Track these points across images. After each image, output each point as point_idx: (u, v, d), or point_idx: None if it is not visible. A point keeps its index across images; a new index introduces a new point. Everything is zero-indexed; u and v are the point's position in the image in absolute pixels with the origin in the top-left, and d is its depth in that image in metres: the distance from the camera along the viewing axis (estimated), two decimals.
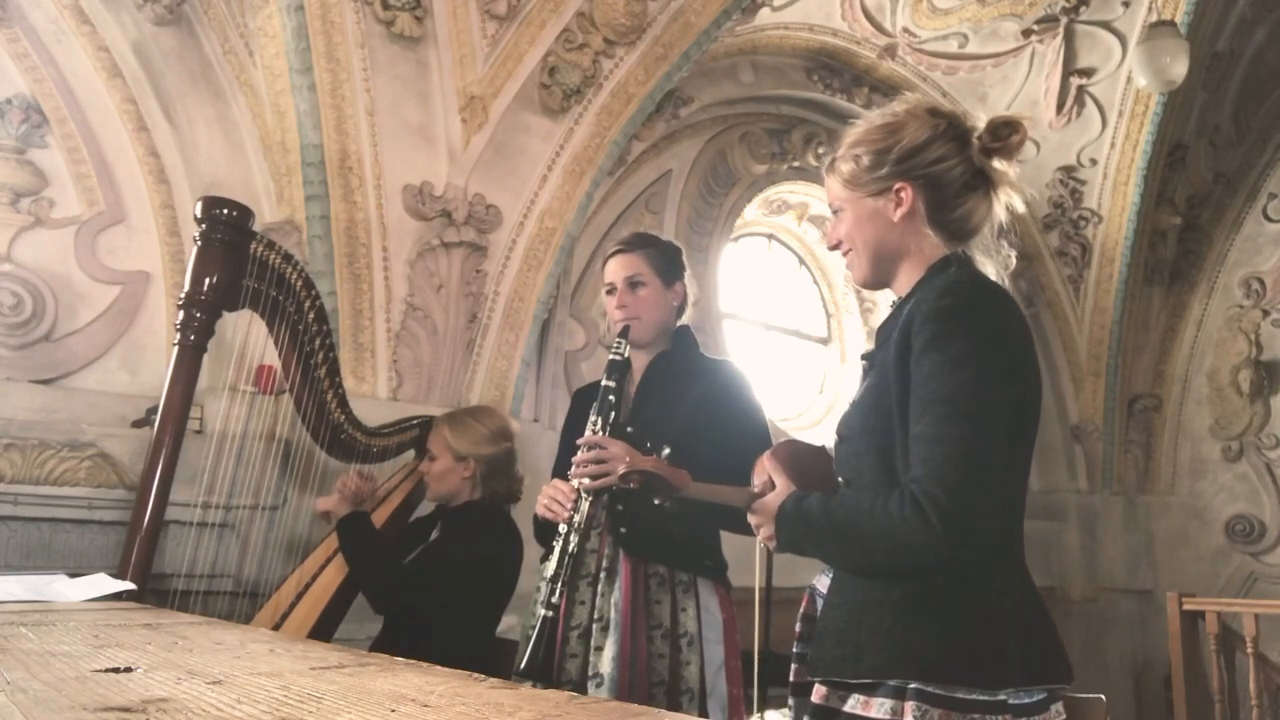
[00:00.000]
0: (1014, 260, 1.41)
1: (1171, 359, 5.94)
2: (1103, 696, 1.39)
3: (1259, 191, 5.77)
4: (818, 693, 1.27)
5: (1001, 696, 1.17)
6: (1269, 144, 5.67)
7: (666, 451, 1.66)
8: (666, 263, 2.13)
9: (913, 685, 1.17)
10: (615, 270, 2.11)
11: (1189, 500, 5.83)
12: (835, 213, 1.45)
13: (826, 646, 1.28)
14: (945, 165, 1.34)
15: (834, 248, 1.46)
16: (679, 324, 2.16)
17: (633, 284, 2.09)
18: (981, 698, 1.16)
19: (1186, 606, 4.31)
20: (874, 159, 1.37)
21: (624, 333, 2.05)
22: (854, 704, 1.22)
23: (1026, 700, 1.19)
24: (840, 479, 1.37)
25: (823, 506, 1.29)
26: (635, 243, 2.16)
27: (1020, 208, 1.39)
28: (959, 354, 1.21)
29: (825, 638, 1.29)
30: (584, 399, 2.15)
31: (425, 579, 2.26)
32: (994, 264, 1.39)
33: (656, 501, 1.59)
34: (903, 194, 1.35)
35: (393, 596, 2.27)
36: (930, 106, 1.39)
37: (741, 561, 2.02)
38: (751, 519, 1.41)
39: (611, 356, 2.00)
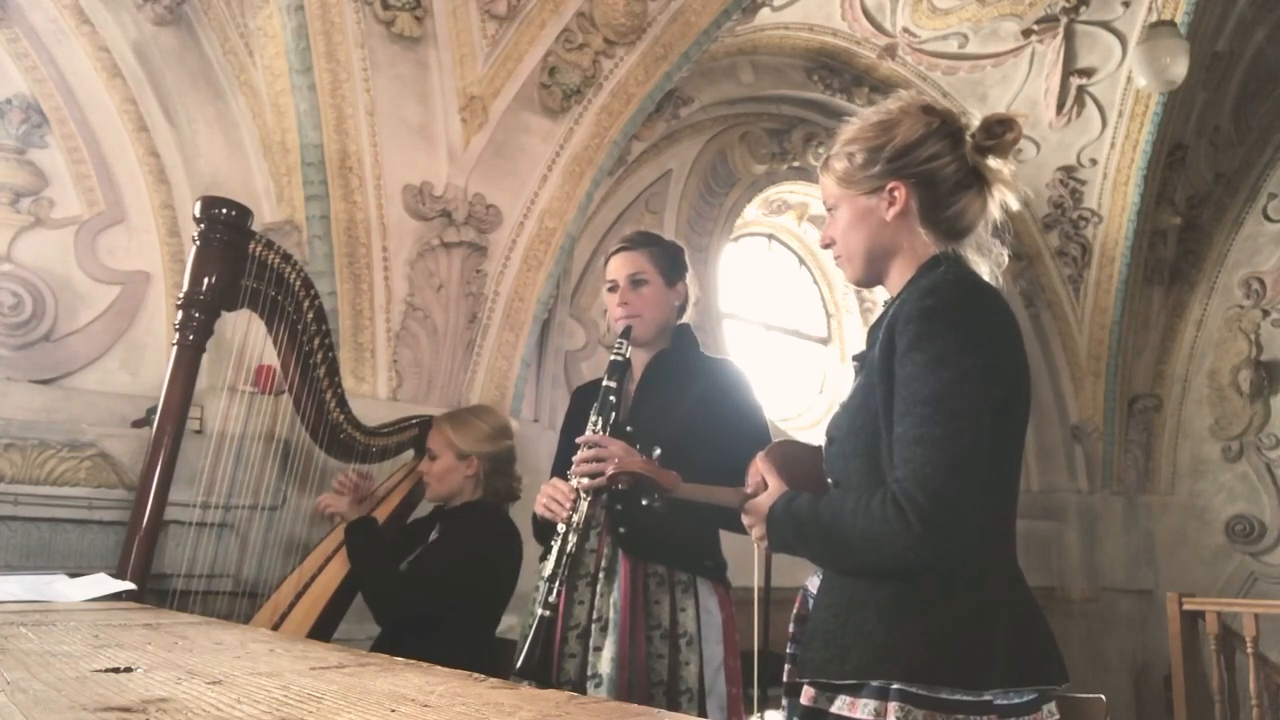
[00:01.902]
0: (1006, 259, 1.40)
1: (1171, 359, 5.94)
2: (1103, 696, 1.39)
3: (1259, 191, 5.77)
4: (806, 694, 1.27)
5: (987, 697, 1.16)
6: (1269, 144, 5.67)
7: (658, 453, 1.66)
8: (669, 262, 2.13)
9: (895, 685, 1.16)
10: (618, 267, 2.11)
11: (1189, 500, 5.83)
12: (829, 211, 1.44)
13: (814, 648, 1.28)
14: (939, 163, 1.33)
15: (827, 246, 1.46)
16: (679, 323, 2.16)
17: (635, 282, 2.09)
18: (965, 698, 1.16)
19: (1186, 606, 4.31)
20: (867, 157, 1.36)
21: (625, 333, 2.05)
22: (840, 705, 1.22)
23: (1015, 700, 1.18)
24: (830, 480, 1.37)
25: (811, 507, 1.29)
26: (639, 241, 2.16)
27: (1015, 205, 1.38)
28: (940, 354, 1.20)
29: (813, 639, 1.29)
30: (583, 398, 2.15)
31: (427, 586, 2.26)
32: (987, 263, 1.38)
33: (644, 502, 1.59)
34: (896, 193, 1.35)
35: (395, 609, 2.27)
36: (924, 104, 1.38)
37: (741, 561, 2.02)
38: (744, 519, 1.41)
39: (613, 357, 2.00)
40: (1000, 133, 1.34)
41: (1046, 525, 5.71)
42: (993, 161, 1.35)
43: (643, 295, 2.08)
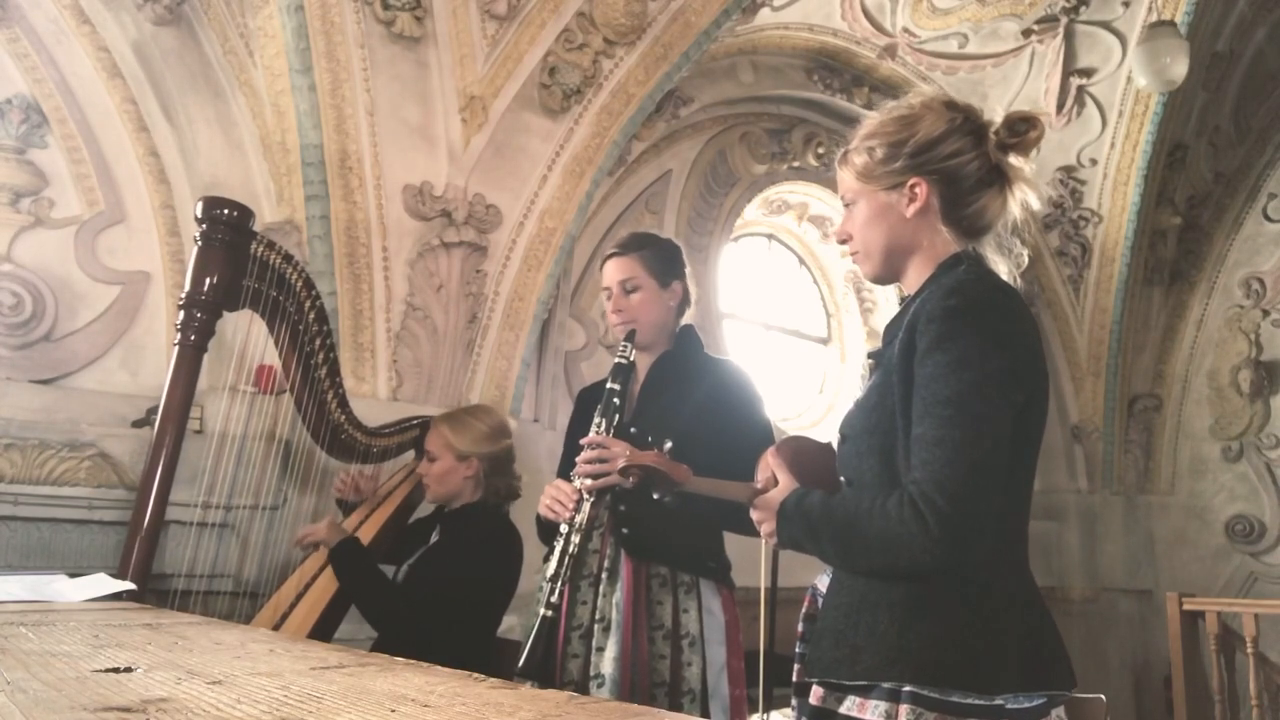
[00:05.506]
0: (1026, 259, 1.38)
1: (1171, 359, 5.94)
2: (1103, 696, 1.39)
3: (1259, 191, 5.77)
4: (815, 694, 1.26)
5: (998, 701, 1.16)
6: (1269, 144, 5.67)
7: (668, 445, 1.64)
8: (662, 263, 2.11)
9: (907, 688, 1.16)
10: (610, 274, 2.10)
11: (1189, 500, 5.83)
12: (847, 205, 1.42)
13: (824, 647, 1.27)
14: (961, 160, 1.32)
15: (843, 241, 1.44)
16: (683, 323, 2.14)
17: (627, 289, 2.07)
18: (977, 702, 1.15)
19: (1186, 606, 4.31)
20: (888, 151, 1.35)
21: (629, 336, 2.04)
22: (850, 705, 1.21)
23: (1025, 705, 1.18)
24: (842, 478, 1.36)
25: (823, 505, 1.28)
26: (630, 245, 2.13)
27: (1035, 205, 1.36)
28: (962, 355, 1.19)
29: (823, 638, 1.28)
30: (588, 400, 2.14)
31: (428, 594, 2.24)
32: (1006, 262, 1.36)
33: (656, 496, 1.57)
34: (917, 189, 1.33)
35: (395, 622, 2.24)
36: (946, 100, 1.37)
37: (746, 561, 2.01)
38: (754, 514, 1.39)
39: (617, 359, 1.99)
40: (1024, 130, 1.33)
41: (1046, 525, 5.71)
42: (1014, 159, 1.34)
43: (635, 301, 2.07)
